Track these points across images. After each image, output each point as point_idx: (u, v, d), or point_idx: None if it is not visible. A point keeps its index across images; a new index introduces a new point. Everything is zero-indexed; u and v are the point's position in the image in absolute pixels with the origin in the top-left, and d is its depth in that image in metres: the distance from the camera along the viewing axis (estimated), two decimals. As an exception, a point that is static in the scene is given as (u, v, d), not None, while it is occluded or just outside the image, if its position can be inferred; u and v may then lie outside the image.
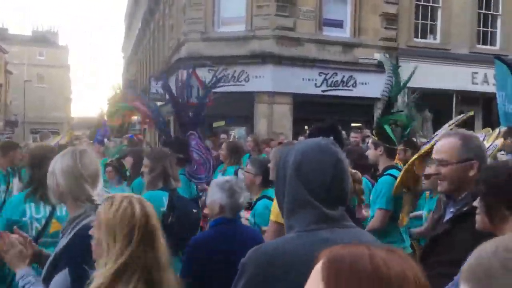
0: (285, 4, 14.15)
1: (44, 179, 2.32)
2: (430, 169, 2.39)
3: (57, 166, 2.21)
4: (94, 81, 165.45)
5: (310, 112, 14.17)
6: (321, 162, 1.52)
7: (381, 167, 4.22)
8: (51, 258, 2.19)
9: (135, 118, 27.70)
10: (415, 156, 3.51)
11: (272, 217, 3.06)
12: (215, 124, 13.20)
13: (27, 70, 58.88)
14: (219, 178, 3.16)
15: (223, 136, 11.12)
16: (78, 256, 1.98)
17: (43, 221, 2.97)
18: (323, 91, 14.47)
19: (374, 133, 4.34)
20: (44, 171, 2.33)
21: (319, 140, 1.62)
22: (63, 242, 2.18)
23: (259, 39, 14.17)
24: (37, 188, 2.98)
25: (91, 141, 10.95)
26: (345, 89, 14.68)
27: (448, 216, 2.37)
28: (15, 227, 2.47)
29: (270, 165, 3.44)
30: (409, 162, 3.59)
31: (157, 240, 1.82)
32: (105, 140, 9.81)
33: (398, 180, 3.63)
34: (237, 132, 13.97)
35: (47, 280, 2.09)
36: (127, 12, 50.37)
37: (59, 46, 68.85)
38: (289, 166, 1.54)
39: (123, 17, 58.84)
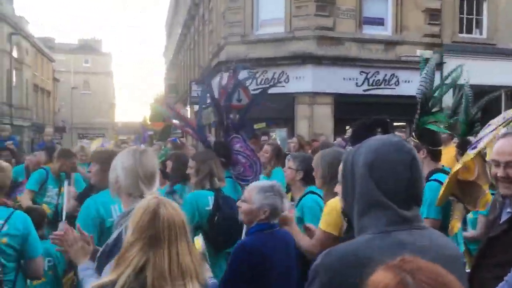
0: (325, 3, 14.05)
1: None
2: (499, 172, 2.22)
3: (118, 163, 2.37)
4: (137, 87, 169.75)
5: (351, 112, 13.97)
6: (396, 161, 1.45)
7: (425, 171, 3.98)
8: (103, 248, 2.32)
9: (177, 122, 28.25)
10: (462, 162, 3.27)
11: (322, 226, 3.02)
12: (255, 126, 13.24)
13: (73, 77, 61.10)
14: (260, 181, 3.15)
15: (263, 138, 11.10)
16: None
17: None
18: (364, 90, 14.26)
19: (414, 135, 4.12)
20: None
21: (390, 137, 1.54)
22: (114, 234, 2.31)
23: (299, 40, 14.13)
24: None
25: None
26: (387, 88, 14.41)
27: (505, 217, 2.28)
28: (78, 225, 2.64)
29: (314, 165, 3.39)
30: (453, 170, 3.33)
31: (179, 244, 1.78)
32: (142, 145, 10.07)
33: (442, 190, 3.40)
34: (278, 134, 13.97)
35: (100, 269, 2.23)
36: (168, 18, 51.46)
37: (103, 54, 71.03)
38: (360, 165, 1.47)
39: (164, 23, 60.17)
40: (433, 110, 4.26)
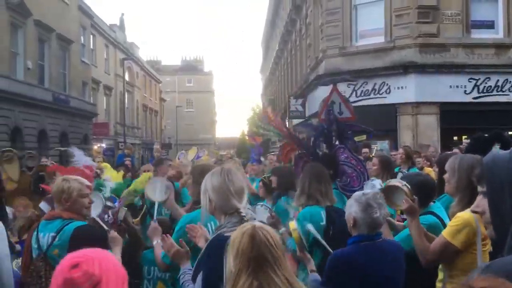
0: (427, 10, 13.50)
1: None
2: None
3: (208, 184, 2.47)
4: (236, 103, 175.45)
5: (459, 121, 13.21)
6: None
7: None
8: (197, 260, 2.46)
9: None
10: None
11: (448, 236, 2.87)
12: (356, 139, 13.00)
13: (177, 96, 64.79)
14: (358, 192, 3.07)
15: (365, 150, 10.84)
16: (208, 262, 2.26)
17: None
18: (474, 98, 13.38)
19: None
20: None
21: None
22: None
23: (400, 49, 13.70)
24: None
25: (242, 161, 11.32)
26: (501, 95, 13.38)
27: None
28: (181, 240, 2.88)
29: (447, 175, 3.22)
30: None
31: (267, 271, 1.79)
32: (262, 158, 10.12)
33: None
34: (380, 146, 13.56)
35: (193, 279, 2.40)
36: (264, 35, 52.68)
37: (205, 73, 74.63)
38: None
39: (260, 41, 61.70)
40: None
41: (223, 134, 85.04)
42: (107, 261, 1.52)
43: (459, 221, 2.85)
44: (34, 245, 2.98)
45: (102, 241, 3.00)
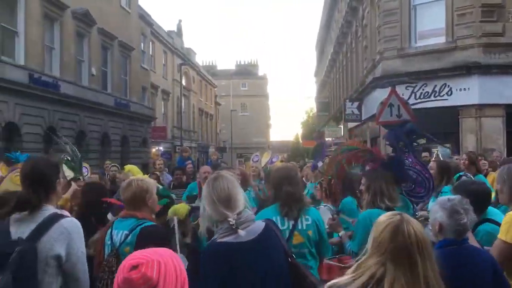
0: (492, 8, 12.92)
1: (285, 197, 2.61)
2: None
3: (203, 192, 2.54)
4: (289, 106, 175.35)
5: (527, 124, 12.56)
6: None
7: None
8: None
9: (330, 139, 28.38)
10: None
11: (501, 236, 2.86)
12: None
13: (232, 100, 65.61)
14: (443, 197, 3.00)
15: (424, 154, 10.51)
16: (203, 270, 2.32)
17: (287, 233, 3.33)
18: (542, 100, 12.65)
19: None
20: (285, 190, 2.63)
21: None
22: None
23: (463, 49, 13.20)
24: (281, 205, 3.40)
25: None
26: None
27: None
28: None
29: (499, 186, 3.14)
30: None
31: (423, 262, 1.82)
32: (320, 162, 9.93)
33: None
34: (441, 150, 13.10)
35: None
36: (319, 38, 52.35)
37: (259, 77, 75.10)
38: None
39: (314, 44, 61.39)
40: None
41: (276, 138, 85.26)
42: (168, 264, 1.56)
43: (509, 218, 2.86)
44: (108, 242, 3.13)
45: (167, 242, 3.11)
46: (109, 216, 4.50)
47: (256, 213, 3.62)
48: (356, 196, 4.82)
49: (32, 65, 16.12)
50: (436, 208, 2.83)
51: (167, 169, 12.48)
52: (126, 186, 3.20)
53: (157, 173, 9.35)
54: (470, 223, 2.77)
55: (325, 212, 4.48)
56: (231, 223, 2.37)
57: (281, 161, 12.36)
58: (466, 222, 2.71)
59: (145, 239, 2.82)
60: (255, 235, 2.42)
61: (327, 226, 3.97)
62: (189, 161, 10.95)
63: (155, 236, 2.90)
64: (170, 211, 4.08)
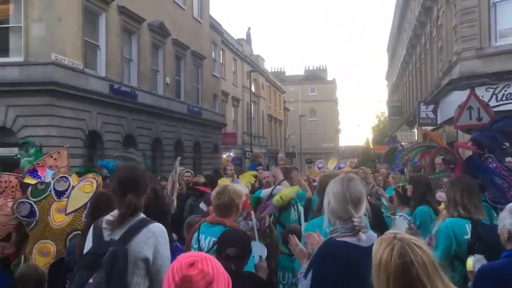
0: None
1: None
2: None
3: (329, 188, 2.63)
4: (359, 111, 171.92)
5: None
6: None
7: None
8: (310, 259, 2.62)
9: (404, 144, 27.47)
10: None
11: None
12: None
13: (301, 106, 65.47)
14: (511, 204, 2.81)
15: (508, 160, 9.89)
16: (317, 262, 2.35)
17: None
18: None
19: None
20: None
21: None
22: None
23: (549, 47, 12.30)
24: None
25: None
26: None
27: None
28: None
29: None
30: None
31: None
32: (395, 168, 9.65)
33: None
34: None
35: (305, 276, 2.54)
36: (390, 40, 50.98)
37: (328, 82, 74.37)
38: None
39: (385, 47, 59.84)
40: None
41: (346, 143, 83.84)
42: (216, 261, 1.63)
43: None
44: (194, 245, 3.24)
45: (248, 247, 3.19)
46: (202, 205, 4.66)
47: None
48: (433, 205, 4.64)
49: (112, 76, 17.09)
50: (505, 215, 2.68)
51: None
52: (219, 192, 3.28)
53: (229, 178, 9.54)
54: None
55: (401, 222, 4.35)
56: (355, 223, 2.42)
57: (351, 166, 12.11)
58: None
59: (224, 242, 2.92)
60: (372, 243, 2.40)
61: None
62: (261, 167, 11.05)
63: (234, 239, 2.98)
64: (282, 193, 4.23)
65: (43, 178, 5.36)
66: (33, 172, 5.45)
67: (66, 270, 3.85)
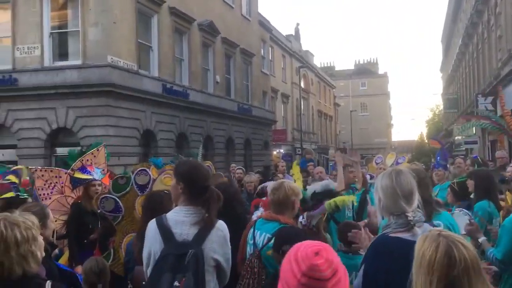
0: None
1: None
2: None
3: (378, 184, 2.54)
4: (412, 105, 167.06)
5: None
6: None
7: None
8: (364, 254, 2.60)
9: (459, 137, 26.43)
10: None
11: None
12: None
13: (351, 101, 64.47)
14: None
15: None
16: (369, 258, 2.36)
17: None
18: None
19: None
20: None
21: None
22: None
23: None
24: None
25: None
26: None
27: None
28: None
29: None
30: None
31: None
32: (448, 165, 9.27)
33: None
34: None
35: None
36: (445, 31, 49.16)
37: (379, 75, 72.82)
38: None
39: (439, 37, 57.74)
40: None
41: (398, 138, 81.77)
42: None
43: None
44: (250, 241, 3.27)
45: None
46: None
47: None
48: (494, 200, 4.46)
49: (164, 76, 17.53)
50: None
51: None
52: (276, 188, 3.29)
53: (280, 175, 9.56)
54: None
55: (460, 217, 4.21)
56: (409, 218, 2.36)
57: (408, 161, 11.73)
58: None
59: (282, 239, 2.92)
60: None
61: (464, 232, 3.73)
62: (311, 163, 11.03)
63: (293, 236, 2.98)
64: (338, 199, 4.24)
65: (93, 173, 5.52)
66: (83, 169, 5.60)
67: (126, 270, 3.96)
